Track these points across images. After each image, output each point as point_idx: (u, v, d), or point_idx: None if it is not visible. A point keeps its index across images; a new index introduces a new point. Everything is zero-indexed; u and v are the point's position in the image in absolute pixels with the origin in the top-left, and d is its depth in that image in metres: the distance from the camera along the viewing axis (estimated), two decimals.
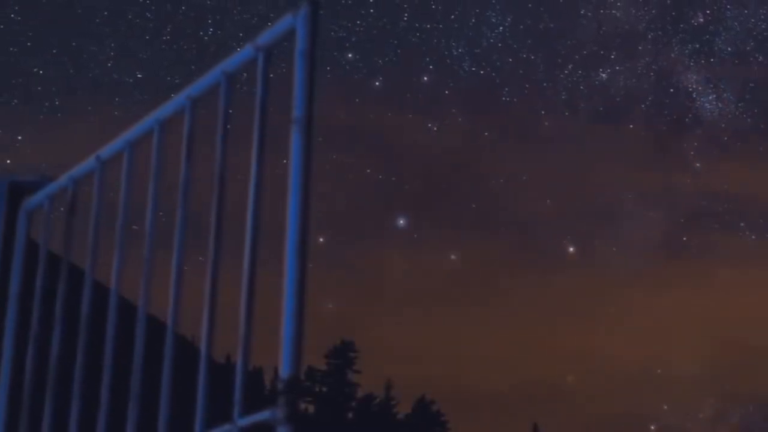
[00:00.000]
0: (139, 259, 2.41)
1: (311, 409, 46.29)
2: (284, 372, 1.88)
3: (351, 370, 47.23)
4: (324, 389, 46.83)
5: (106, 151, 2.55)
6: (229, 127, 2.21)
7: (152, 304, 2.40)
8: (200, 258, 2.23)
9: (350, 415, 47.21)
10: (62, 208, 2.72)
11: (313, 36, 2.01)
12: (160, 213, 2.41)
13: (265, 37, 2.13)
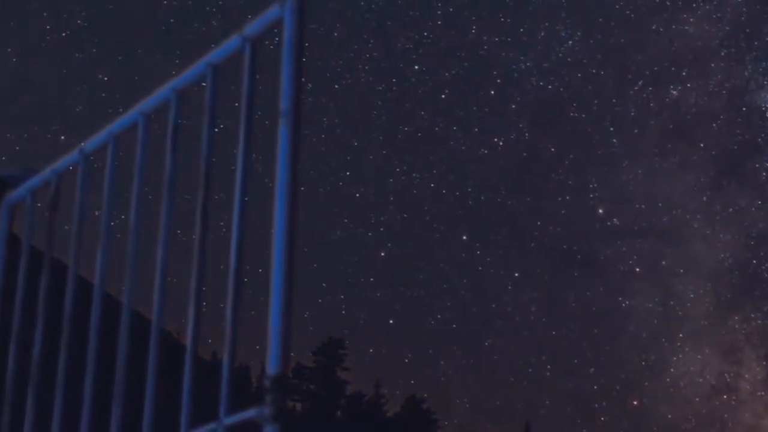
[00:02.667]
0: (123, 254, 2.38)
1: (299, 407, 46.32)
2: (271, 369, 1.86)
3: (340, 368, 47.24)
4: (312, 387, 46.86)
5: (89, 143, 2.52)
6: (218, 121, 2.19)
7: (137, 299, 2.38)
8: (185, 252, 2.20)
9: (339, 413, 47.23)
10: (44, 202, 2.69)
11: (300, 26, 1.98)
12: (145, 207, 2.38)
13: (251, 28, 2.09)
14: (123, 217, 2.43)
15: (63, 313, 2.53)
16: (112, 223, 2.49)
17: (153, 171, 2.38)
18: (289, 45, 1.98)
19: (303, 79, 1.96)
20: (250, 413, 1.89)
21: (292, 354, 1.88)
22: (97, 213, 2.51)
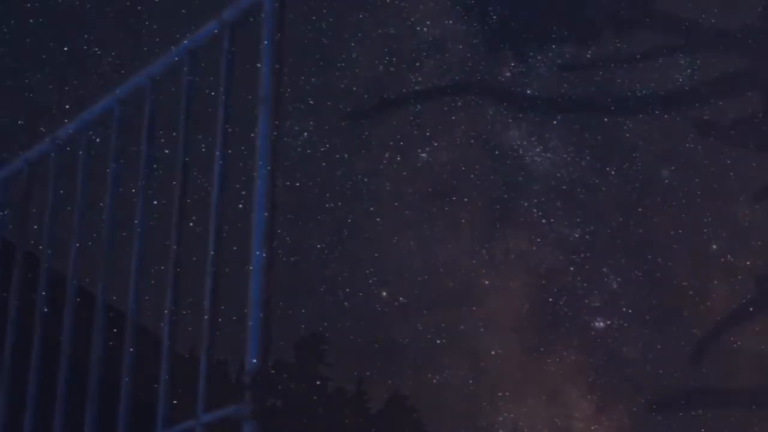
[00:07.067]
0: (97, 245, 2.34)
1: (279, 404, 46.45)
2: (250, 365, 1.82)
3: (322, 364, 47.38)
4: (292, 383, 46.99)
5: (61, 131, 2.47)
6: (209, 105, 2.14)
7: (111, 293, 2.33)
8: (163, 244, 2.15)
9: (320, 410, 47.38)
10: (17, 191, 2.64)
11: (280, 12, 1.94)
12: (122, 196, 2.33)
13: (230, 12, 2.05)
14: (97, 206, 2.37)
15: (35, 305, 2.49)
16: (86, 213, 2.44)
17: (128, 159, 2.34)
18: (268, 31, 1.93)
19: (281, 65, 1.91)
20: (228, 411, 1.85)
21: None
22: (69, 208, 2.47)
